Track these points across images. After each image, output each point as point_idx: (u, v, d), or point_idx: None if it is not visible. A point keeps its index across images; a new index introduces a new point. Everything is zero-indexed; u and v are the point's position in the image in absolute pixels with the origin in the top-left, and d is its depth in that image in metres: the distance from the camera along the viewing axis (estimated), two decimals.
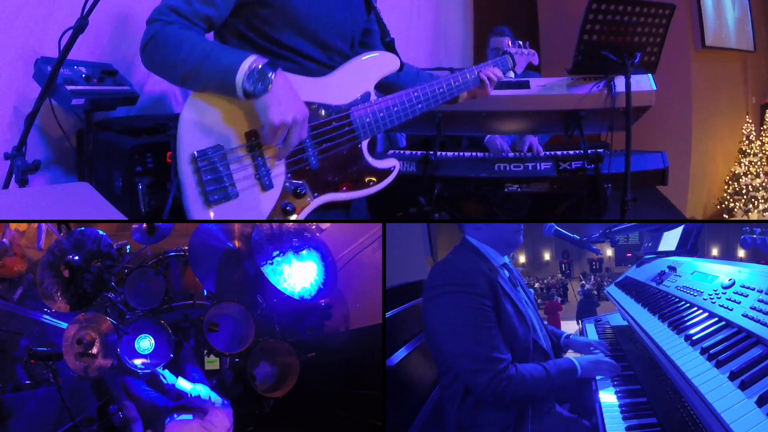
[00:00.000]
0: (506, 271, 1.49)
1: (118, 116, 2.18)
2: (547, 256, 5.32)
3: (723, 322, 1.28)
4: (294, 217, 1.54)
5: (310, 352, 1.69)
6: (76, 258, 1.60)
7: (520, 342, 1.37)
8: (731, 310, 1.30)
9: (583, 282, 4.77)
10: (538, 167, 2.51)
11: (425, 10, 4.20)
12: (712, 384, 1.03)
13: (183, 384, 1.40)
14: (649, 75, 2.40)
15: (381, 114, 1.62)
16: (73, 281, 1.58)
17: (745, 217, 5.17)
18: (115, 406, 1.40)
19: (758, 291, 1.29)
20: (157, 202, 1.83)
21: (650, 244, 2.72)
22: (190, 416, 1.34)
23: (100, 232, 1.67)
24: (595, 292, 4.39)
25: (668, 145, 3.90)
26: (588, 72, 2.35)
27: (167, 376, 1.42)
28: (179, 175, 1.45)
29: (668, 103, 4.26)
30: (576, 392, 1.45)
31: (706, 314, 1.39)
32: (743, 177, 5.30)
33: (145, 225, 1.83)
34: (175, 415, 1.34)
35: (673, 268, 1.98)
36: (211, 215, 1.47)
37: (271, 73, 1.38)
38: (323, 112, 1.57)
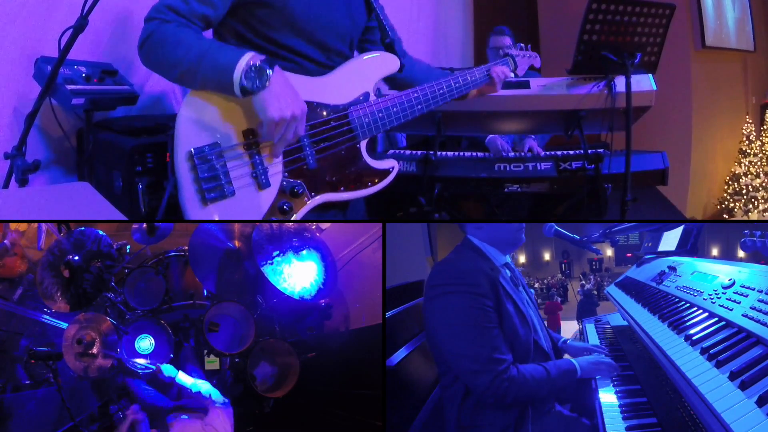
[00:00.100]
0: (508, 271, 1.48)
1: (118, 116, 2.18)
2: (547, 256, 5.32)
3: (723, 322, 1.28)
4: (291, 216, 1.53)
5: (310, 352, 1.70)
6: (76, 258, 1.60)
7: (521, 342, 1.37)
8: (731, 310, 1.30)
9: (583, 282, 4.77)
10: (538, 167, 2.51)
11: (425, 10, 4.20)
12: (712, 384, 1.03)
13: (183, 378, 1.40)
14: (649, 75, 2.40)
15: (380, 114, 1.62)
16: (73, 281, 1.58)
17: (745, 217, 5.17)
18: (115, 406, 1.40)
19: (758, 291, 1.29)
20: (156, 202, 1.83)
21: (650, 244, 2.72)
22: (191, 416, 1.34)
23: (100, 232, 1.68)
24: (595, 292, 4.39)
25: (668, 145, 3.91)
26: (588, 72, 2.35)
27: (167, 370, 1.42)
28: (176, 172, 1.45)
29: (668, 103, 4.26)
30: (576, 392, 1.45)
31: (706, 314, 1.39)
32: (743, 177, 5.30)
33: (145, 225, 1.83)
34: (178, 416, 1.34)
35: (673, 268, 1.98)
36: (213, 214, 1.47)
37: (268, 70, 1.39)
38: (321, 111, 1.57)
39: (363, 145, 1.62)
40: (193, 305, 1.67)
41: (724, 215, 5.24)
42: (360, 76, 1.63)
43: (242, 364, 1.56)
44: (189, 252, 1.69)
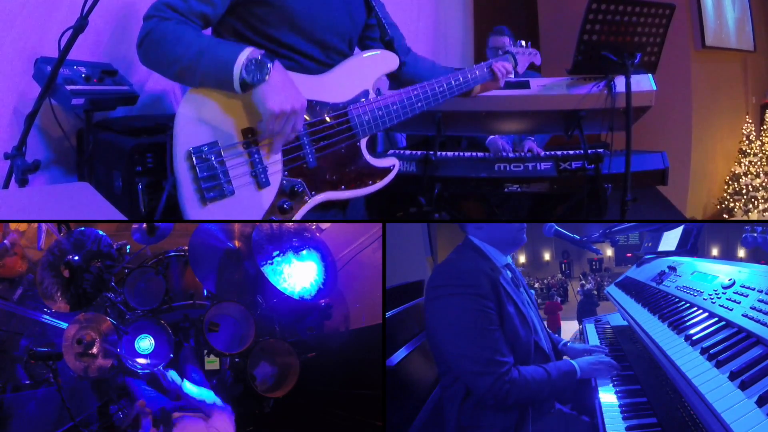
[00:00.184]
0: (509, 272, 1.48)
1: (118, 116, 2.18)
2: (547, 256, 5.32)
3: (723, 322, 1.28)
4: (291, 215, 1.53)
5: (310, 352, 1.69)
6: (76, 258, 1.60)
7: (521, 344, 1.37)
8: (731, 310, 1.30)
9: (583, 282, 4.76)
10: (538, 167, 2.50)
11: (425, 10, 4.20)
12: (712, 384, 1.03)
13: (190, 388, 1.41)
14: (649, 75, 2.40)
15: (380, 112, 1.62)
16: (73, 281, 1.58)
17: (745, 217, 5.17)
18: (115, 406, 1.40)
19: (758, 291, 1.29)
20: (156, 202, 1.83)
21: (650, 244, 2.72)
22: (195, 416, 1.34)
23: (100, 232, 1.68)
24: (595, 292, 4.39)
25: (668, 145, 3.91)
26: (588, 72, 2.35)
27: (174, 378, 1.42)
28: (175, 172, 1.45)
29: (668, 103, 4.26)
30: (576, 393, 1.45)
31: (706, 314, 1.39)
32: (743, 177, 5.30)
33: (145, 225, 1.83)
34: (183, 416, 1.34)
35: (673, 268, 1.98)
36: (212, 213, 1.46)
37: (269, 64, 1.39)
38: (321, 110, 1.56)
39: (363, 143, 1.62)
40: (193, 305, 1.67)
41: (724, 215, 5.24)
42: (359, 74, 1.63)
43: (242, 364, 1.56)
44: (189, 252, 1.69)
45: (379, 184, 1.63)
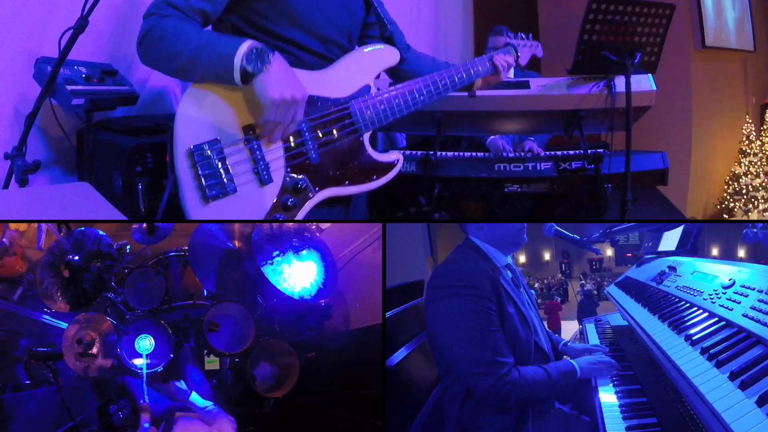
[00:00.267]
0: (509, 272, 1.48)
1: (118, 116, 2.18)
2: (547, 256, 5.33)
3: (723, 322, 1.28)
4: (295, 212, 1.52)
5: (310, 352, 1.70)
6: (76, 258, 1.61)
7: (522, 344, 1.37)
8: (731, 310, 1.30)
9: (583, 282, 4.76)
10: (538, 167, 2.50)
11: (425, 10, 4.20)
12: (712, 384, 1.03)
13: (196, 398, 1.41)
14: (649, 75, 2.40)
15: (382, 106, 1.61)
16: (73, 281, 1.59)
17: (745, 217, 5.17)
18: (115, 406, 1.40)
19: (758, 291, 1.29)
20: (157, 202, 1.82)
21: (650, 244, 2.72)
22: (195, 417, 1.34)
23: (100, 232, 1.68)
24: (595, 292, 4.39)
25: (668, 145, 3.91)
26: (588, 72, 2.35)
27: (183, 389, 1.42)
28: (176, 170, 1.44)
29: (668, 103, 4.26)
30: (576, 393, 1.45)
31: (706, 314, 1.39)
32: (743, 177, 5.30)
33: (145, 225, 1.83)
34: (183, 416, 1.34)
35: (673, 268, 1.97)
36: (214, 212, 1.46)
37: (269, 54, 1.39)
38: (322, 105, 1.56)
39: (366, 138, 1.61)
40: (193, 305, 1.67)
41: (724, 215, 5.25)
42: (360, 69, 1.62)
43: (242, 364, 1.56)
44: (189, 252, 1.69)
45: (384, 179, 1.62)
